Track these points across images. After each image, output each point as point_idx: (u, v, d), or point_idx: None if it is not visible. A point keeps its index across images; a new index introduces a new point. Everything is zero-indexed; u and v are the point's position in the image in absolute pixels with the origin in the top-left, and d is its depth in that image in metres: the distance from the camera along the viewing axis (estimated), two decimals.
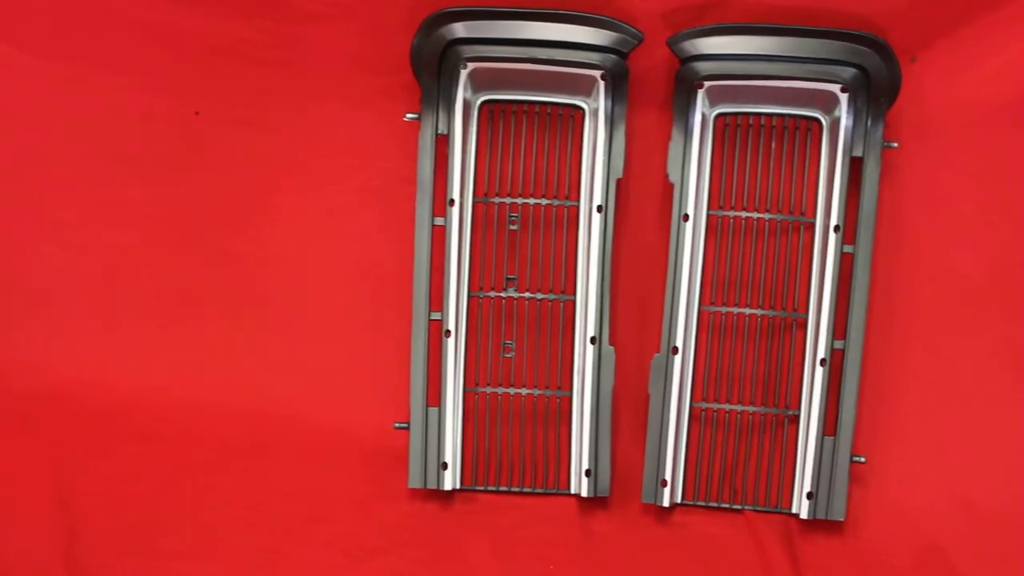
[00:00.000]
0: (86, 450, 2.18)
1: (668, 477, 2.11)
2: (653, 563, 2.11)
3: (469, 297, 2.14)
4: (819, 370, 2.10)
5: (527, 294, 2.15)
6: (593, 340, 2.12)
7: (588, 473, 2.12)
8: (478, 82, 2.12)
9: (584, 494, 2.12)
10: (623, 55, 2.09)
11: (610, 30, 2.08)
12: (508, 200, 2.15)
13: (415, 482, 2.13)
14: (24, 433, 2.18)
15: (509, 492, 2.16)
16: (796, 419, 2.13)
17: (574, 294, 2.15)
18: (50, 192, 2.22)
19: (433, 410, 2.13)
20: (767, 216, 2.14)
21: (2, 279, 2.22)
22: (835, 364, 2.11)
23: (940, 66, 2.13)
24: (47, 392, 2.21)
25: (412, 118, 2.13)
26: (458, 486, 2.15)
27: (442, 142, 2.12)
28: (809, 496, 2.10)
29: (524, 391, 2.16)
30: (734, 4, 2.11)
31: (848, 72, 2.08)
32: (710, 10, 2.11)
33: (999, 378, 2.16)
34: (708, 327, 2.15)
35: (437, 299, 2.13)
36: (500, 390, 2.16)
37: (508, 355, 2.16)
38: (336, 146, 2.20)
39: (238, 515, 2.14)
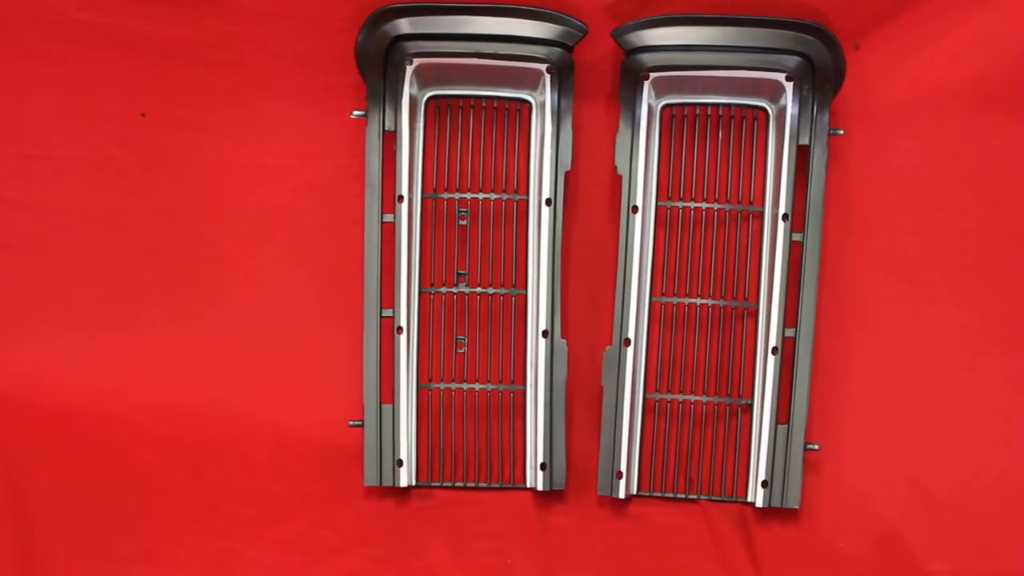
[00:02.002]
0: (39, 454, 2.17)
1: (623, 469, 2.12)
2: (610, 555, 2.11)
3: (420, 293, 2.14)
4: (771, 359, 2.11)
5: (478, 289, 2.15)
6: (545, 334, 2.12)
7: (543, 467, 2.12)
8: (424, 78, 2.12)
9: (540, 488, 2.12)
10: (568, 48, 2.09)
11: (555, 23, 2.08)
12: (457, 195, 2.15)
13: (371, 480, 2.12)
14: None
15: (465, 488, 2.16)
16: (749, 408, 2.14)
17: (525, 288, 2.15)
18: None
19: (387, 407, 2.13)
20: (716, 206, 2.14)
21: None
22: (787, 352, 2.11)
23: (884, 53, 2.13)
24: None
25: (359, 115, 2.12)
26: (414, 483, 2.15)
27: (389, 139, 2.12)
28: (764, 484, 2.11)
29: (477, 386, 2.16)
30: None
31: (793, 61, 2.08)
32: (654, 1, 2.10)
33: (950, 362, 2.17)
34: (660, 318, 2.15)
35: (388, 296, 2.13)
36: (453, 386, 2.16)
37: (460, 350, 2.16)
38: (283, 145, 2.19)
39: (193, 517, 2.13)
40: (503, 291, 2.15)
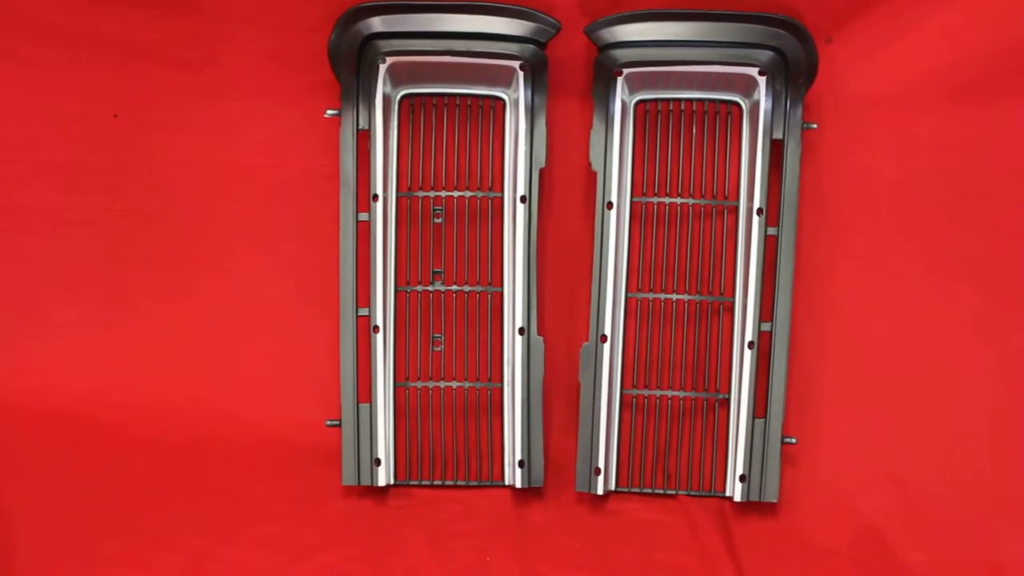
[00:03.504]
0: (17, 455, 2.17)
1: (601, 465, 2.12)
2: (589, 551, 2.11)
3: (396, 292, 2.14)
4: (747, 353, 2.11)
5: (454, 287, 2.15)
6: (522, 331, 2.12)
7: (521, 464, 2.12)
8: (397, 76, 2.12)
9: (518, 485, 2.13)
10: (541, 45, 2.09)
11: (527, 20, 2.08)
12: (432, 193, 2.15)
13: (349, 479, 2.12)
14: None
15: (443, 486, 2.16)
16: (726, 402, 2.14)
17: (501, 285, 2.15)
18: None
19: (364, 406, 2.12)
20: (690, 201, 2.14)
21: None
22: (763, 347, 2.12)
23: (856, 46, 2.14)
24: None
25: (332, 114, 2.12)
26: (392, 482, 2.15)
27: (363, 137, 2.12)
28: (742, 479, 2.11)
29: (455, 384, 2.16)
30: None
31: (766, 55, 2.09)
32: None
33: (926, 354, 2.18)
34: (636, 314, 2.15)
35: (364, 295, 2.12)
36: (431, 384, 2.16)
37: (437, 349, 2.16)
38: (257, 144, 2.19)
39: (172, 518, 2.12)
40: (479, 289, 2.15)
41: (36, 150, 2.19)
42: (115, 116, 2.19)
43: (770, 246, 2.11)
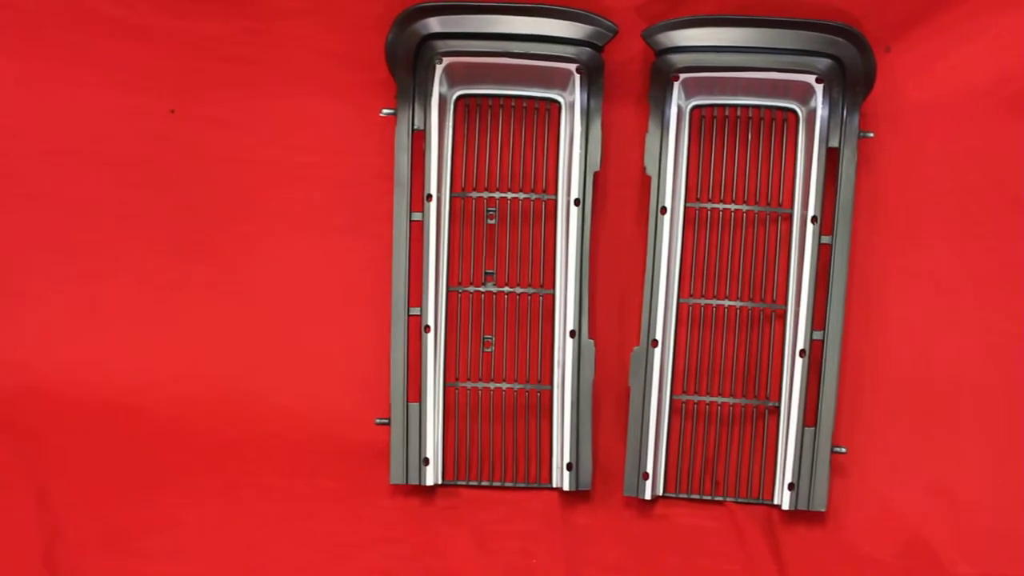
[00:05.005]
0: (67, 449, 2.18)
1: (650, 470, 2.11)
2: (635, 556, 2.11)
3: (448, 292, 2.14)
4: (799, 361, 2.10)
5: (506, 288, 2.15)
6: (572, 334, 2.12)
7: (570, 467, 2.12)
8: (453, 77, 2.12)
9: (566, 488, 2.12)
10: (598, 48, 2.09)
11: (585, 23, 2.08)
12: (485, 195, 2.15)
13: (397, 478, 2.13)
14: (5, 431, 2.18)
15: (491, 487, 2.16)
16: (776, 410, 2.13)
17: (553, 288, 2.15)
18: (28, 192, 2.21)
19: (414, 406, 2.13)
20: (744, 208, 2.14)
21: None
22: (814, 355, 2.11)
23: (914, 55, 2.13)
24: (28, 390, 2.21)
25: (388, 113, 2.13)
26: (440, 482, 2.15)
27: (418, 137, 2.12)
28: (790, 487, 2.10)
29: (504, 386, 2.16)
30: None
31: (823, 63, 2.08)
32: (684, 2, 2.10)
33: (977, 366, 2.16)
34: (687, 319, 2.15)
35: (416, 295, 2.13)
36: (480, 385, 2.16)
37: (488, 350, 2.16)
38: (312, 142, 2.20)
39: (219, 514, 2.14)
40: (531, 291, 2.15)
41: (92, 143, 2.20)
42: (172, 111, 2.20)
43: (824, 254, 2.10)
